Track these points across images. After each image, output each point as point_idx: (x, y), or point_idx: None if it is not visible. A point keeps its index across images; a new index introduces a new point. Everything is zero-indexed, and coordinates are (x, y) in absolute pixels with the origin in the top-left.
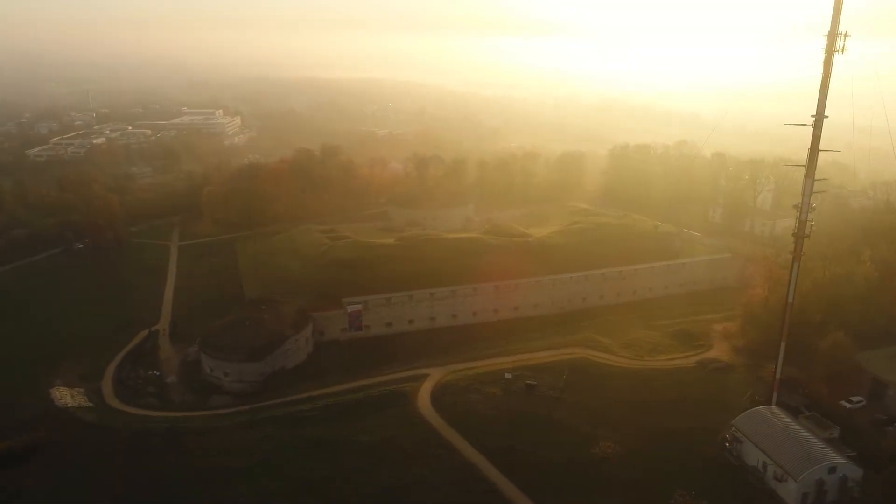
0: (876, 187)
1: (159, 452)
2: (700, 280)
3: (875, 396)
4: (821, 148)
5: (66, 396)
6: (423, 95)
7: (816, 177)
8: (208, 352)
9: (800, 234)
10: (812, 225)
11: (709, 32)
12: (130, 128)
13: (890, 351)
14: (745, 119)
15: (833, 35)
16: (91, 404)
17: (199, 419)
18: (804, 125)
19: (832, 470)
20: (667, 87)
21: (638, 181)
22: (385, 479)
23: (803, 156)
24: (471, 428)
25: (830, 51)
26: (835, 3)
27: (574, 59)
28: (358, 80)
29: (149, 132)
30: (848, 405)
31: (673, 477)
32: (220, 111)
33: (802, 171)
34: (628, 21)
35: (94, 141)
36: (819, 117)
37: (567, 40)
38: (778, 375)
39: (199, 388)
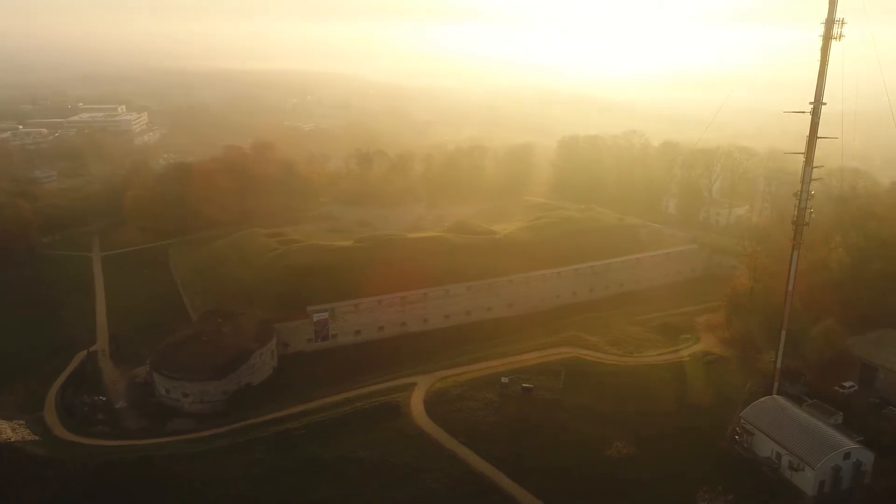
0: (832, 174)
1: (136, 485)
2: (669, 272)
3: (865, 381)
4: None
5: (6, 430)
6: (344, 87)
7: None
8: (164, 372)
9: (799, 222)
10: (811, 213)
11: (635, 20)
12: (21, 126)
13: (875, 335)
14: (673, 106)
15: (830, 22)
16: (37, 437)
17: (170, 446)
18: (803, 112)
19: (846, 456)
20: (599, 76)
21: (589, 173)
22: (396, 496)
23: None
24: (473, 437)
25: (828, 38)
26: None
27: (501, 46)
28: (272, 71)
29: (45, 131)
30: (842, 391)
31: (690, 473)
32: (123, 107)
33: (756, 159)
34: (557, 8)
35: None
36: (817, 104)
37: (492, 27)
38: (779, 364)
39: (155, 412)
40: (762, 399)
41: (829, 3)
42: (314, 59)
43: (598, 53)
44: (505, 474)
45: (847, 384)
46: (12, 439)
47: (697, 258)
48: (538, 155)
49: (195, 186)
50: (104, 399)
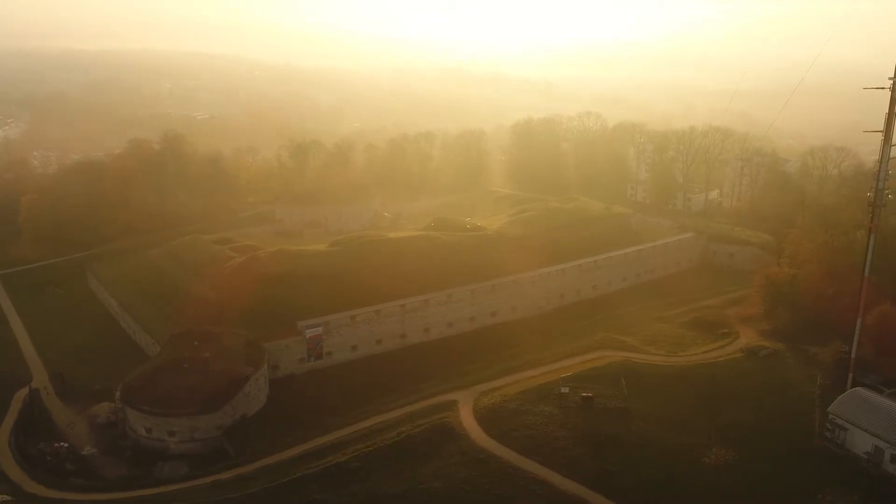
0: (814, 153)
1: None
2: (670, 263)
3: None
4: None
5: None
6: (227, 69)
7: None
8: (141, 407)
9: (877, 204)
10: (889, 195)
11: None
12: None
13: None
14: (587, 85)
15: None
16: (8, 497)
17: (187, 493)
18: (882, 88)
19: None
20: (503, 52)
21: (548, 160)
22: None
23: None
24: (548, 455)
25: None
26: None
27: (384, 21)
28: (134, 52)
29: None
30: None
31: (793, 475)
32: None
33: (732, 139)
34: None
35: None
36: None
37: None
38: (853, 355)
39: (134, 457)
40: (847, 392)
41: None
42: (183, 37)
43: (498, 29)
44: (601, 494)
45: None
46: None
47: (695, 247)
48: (483, 141)
49: (106, 188)
50: (67, 445)
